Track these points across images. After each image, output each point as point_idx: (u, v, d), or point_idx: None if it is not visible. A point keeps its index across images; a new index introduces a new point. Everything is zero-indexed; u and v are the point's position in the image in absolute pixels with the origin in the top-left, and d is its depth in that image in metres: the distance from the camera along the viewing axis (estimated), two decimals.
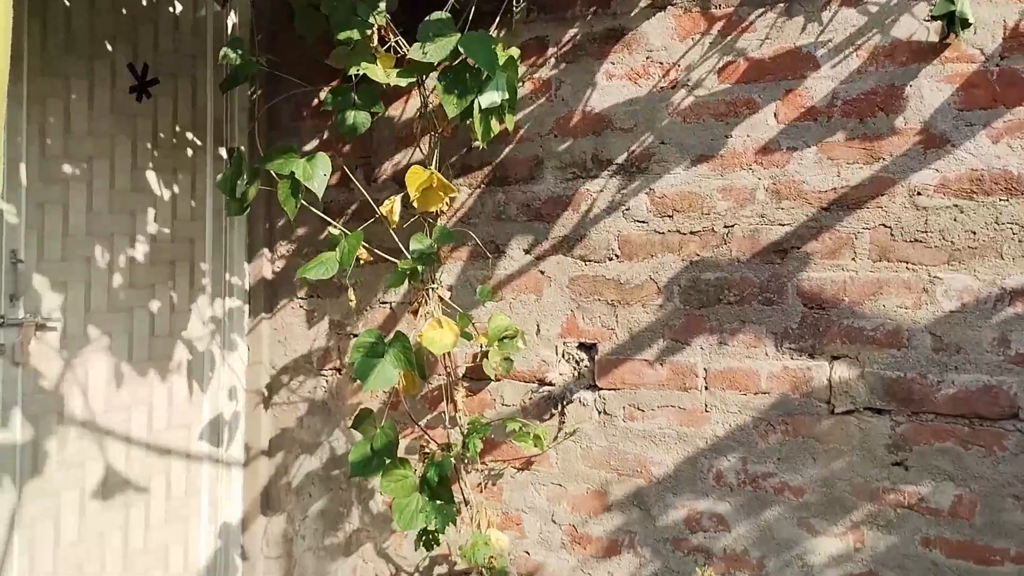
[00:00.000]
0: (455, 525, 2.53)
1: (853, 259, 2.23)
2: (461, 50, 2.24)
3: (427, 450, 2.68)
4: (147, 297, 2.91)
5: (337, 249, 2.48)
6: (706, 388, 2.40)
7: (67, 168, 2.69)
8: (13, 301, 2.56)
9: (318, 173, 2.48)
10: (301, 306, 3.08)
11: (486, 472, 2.71)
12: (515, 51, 2.44)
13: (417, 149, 2.79)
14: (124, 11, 2.83)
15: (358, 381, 2.64)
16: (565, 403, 2.60)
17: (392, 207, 2.57)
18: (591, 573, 2.53)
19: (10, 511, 2.55)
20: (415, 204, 2.52)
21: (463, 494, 2.64)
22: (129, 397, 2.85)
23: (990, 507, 2.07)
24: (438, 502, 2.47)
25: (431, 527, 2.47)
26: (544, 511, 2.61)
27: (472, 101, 2.31)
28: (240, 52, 2.58)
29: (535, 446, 2.55)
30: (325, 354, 3.02)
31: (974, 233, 2.10)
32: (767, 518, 2.30)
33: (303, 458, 3.05)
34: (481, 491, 2.71)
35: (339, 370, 2.99)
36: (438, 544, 2.54)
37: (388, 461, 2.49)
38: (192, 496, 3.03)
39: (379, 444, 2.51)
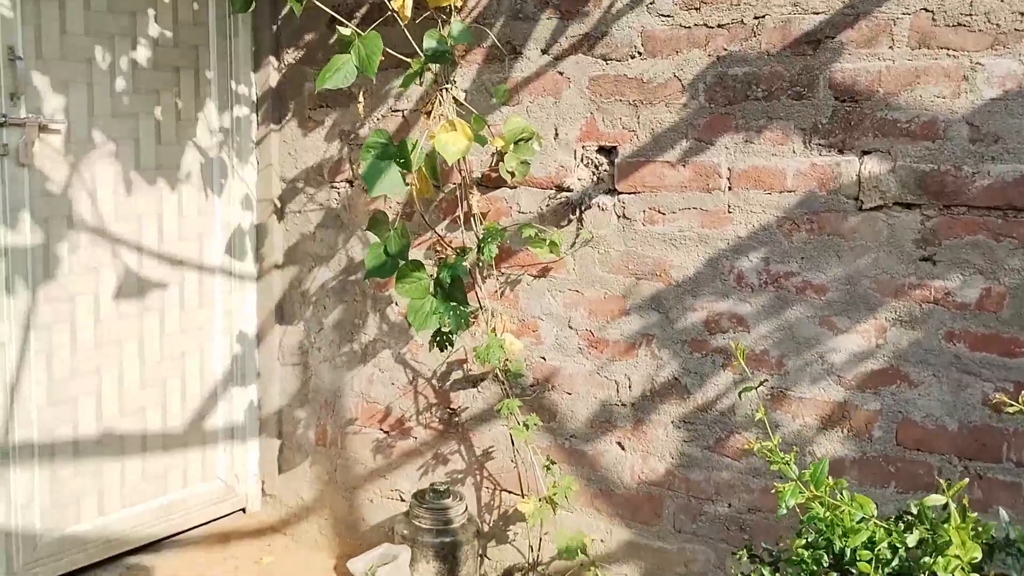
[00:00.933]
0: (468, 328, 2.51)
1: (890, 47, 2.11)
2: None
3: (442, 255, 2.64)
4: (152, 103, 2.82)
5: (352, 51, 2.37)
6: (729, 188, 2.32)
7: None
8: (14, 100, 2.48)
9: None
10: (310, 116, 2.98)
11: (503, 279, 2.67)
12: None
13: None
14: None
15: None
16: (583, 209, 2.53)
17: (404, 1, 2.44)
18: (607, 376, 2.52)
19: (25, 313, 2.54)
20: None
21: (479, 300, 2.62)
22: (139, 205, 2.80)
23: (1019, 299, 2.01)
24: (452, 304, 2.45)
25: (444, 328, 2.45)
26: (560, 317, 2.59)
27: None
28: None
29: (551, 252, 2.50)
30: (336, 165, 2.94)
31: (1022, 15, 1.98)
32: (788, 317, 2.27)
33: (317, 270, 3.02)
34: (499, 298, 2.68)
35: (351, 182, 2.92)
36: (452, 345, 2.53)
37: (402, 263, 2.45)
38: (206, 307, 3.02)
39: (393, 248, 2.47)
